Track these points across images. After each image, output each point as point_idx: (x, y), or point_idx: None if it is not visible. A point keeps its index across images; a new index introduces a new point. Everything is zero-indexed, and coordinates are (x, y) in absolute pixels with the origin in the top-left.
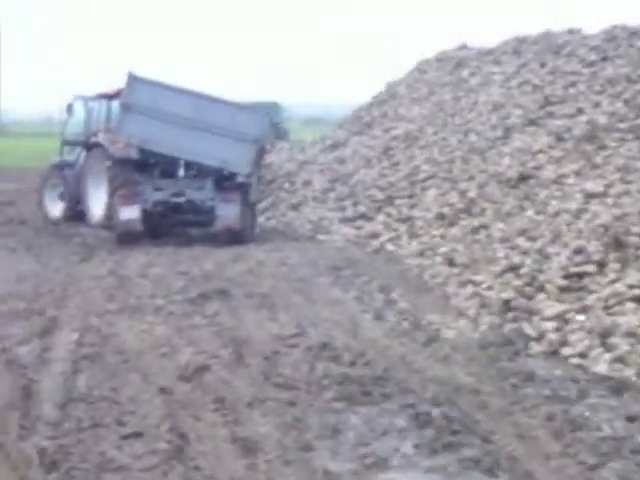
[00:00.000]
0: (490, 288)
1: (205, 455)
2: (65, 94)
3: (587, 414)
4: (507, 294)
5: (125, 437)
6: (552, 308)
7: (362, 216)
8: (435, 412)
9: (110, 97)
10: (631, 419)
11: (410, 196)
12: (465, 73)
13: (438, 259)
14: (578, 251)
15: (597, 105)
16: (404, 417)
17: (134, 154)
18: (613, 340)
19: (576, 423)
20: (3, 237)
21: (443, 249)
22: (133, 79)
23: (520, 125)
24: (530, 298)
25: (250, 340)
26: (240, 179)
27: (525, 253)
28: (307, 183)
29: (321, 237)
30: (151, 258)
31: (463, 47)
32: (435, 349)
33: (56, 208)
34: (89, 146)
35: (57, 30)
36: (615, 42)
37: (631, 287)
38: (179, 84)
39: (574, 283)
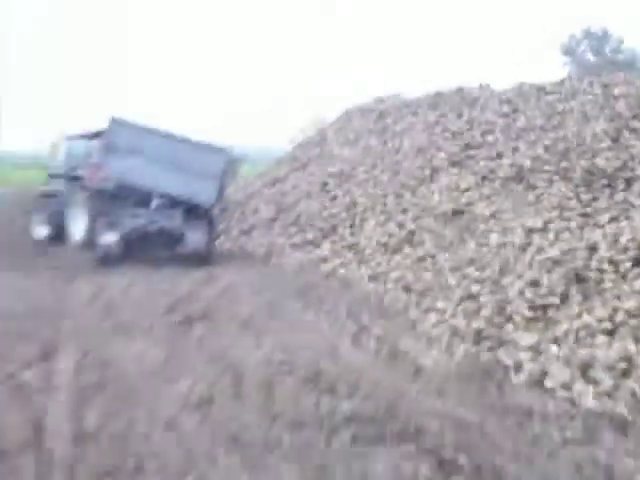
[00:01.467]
0: (454, 316)
1: None
2: (52, 132)
3: (612, 462)
4: (477, 323)
5: None
6: (524, 338)
7: (310, 242)
8: (460, 458)
9: (90, 137)
10: None
11: (351, 226)
12: (389, 121)
13: (391, 285)
14: (534, 283)
15: (515, 150)
16: (428, 463)
17: (111, 186)
18: (594, 373)
19: (607, 472)
20: None
21: (394, 275)
22: (115, 122)
23: (445, 166)
24: (500, 328)
25: (243, 367)
26: (205, 209)
27: (478, 282)
28: (255, 212)
29: (274, 260)
30: (131, 280)
31: (382, 100)
32: (423, 381)
33: (41, 230)
34: (71, 178)
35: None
36: (524, 97)
37: (600, 320)
38: (155, 126)
39: (540, 314)
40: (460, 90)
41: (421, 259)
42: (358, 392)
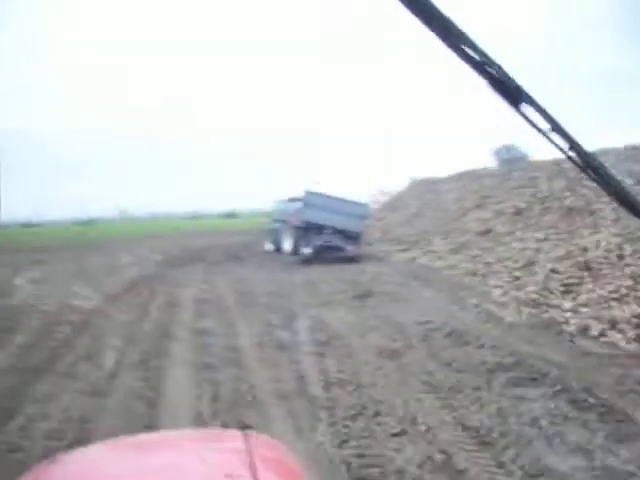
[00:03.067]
0: (511, 290)
1: (452, 446)
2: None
3: None
4: (532, 295)
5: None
6: (565, 304)
7: (405, 249)
8: (588, 398)
9: (293, 200)
10: None
11: (426, 240)
12: (437, 186)
13: (461, 271)
14: (554, 271)
15: (511, 199)
16: (563, 401)
17: (303, 224)
18: (620, 326)
19: None
20: (250, 262)
21: (463, 265)
22: (307, 192)
23: (472, 208)
24: (546, 297)
25: (406, 325)
26: (355, 234)
27: (517, 269)
28: (372, 233)
29: (391, 259)
30: (320, 271)
31: (430, 177)
32: (515, 332)
33: (269, 247)
34: (283, 221)
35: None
36: (509, 171)
37: (610, 292)
38: (326, 191)
39: (569, 289)
40: (468, 171)
41: (476, 258)
42: (482, 343)
